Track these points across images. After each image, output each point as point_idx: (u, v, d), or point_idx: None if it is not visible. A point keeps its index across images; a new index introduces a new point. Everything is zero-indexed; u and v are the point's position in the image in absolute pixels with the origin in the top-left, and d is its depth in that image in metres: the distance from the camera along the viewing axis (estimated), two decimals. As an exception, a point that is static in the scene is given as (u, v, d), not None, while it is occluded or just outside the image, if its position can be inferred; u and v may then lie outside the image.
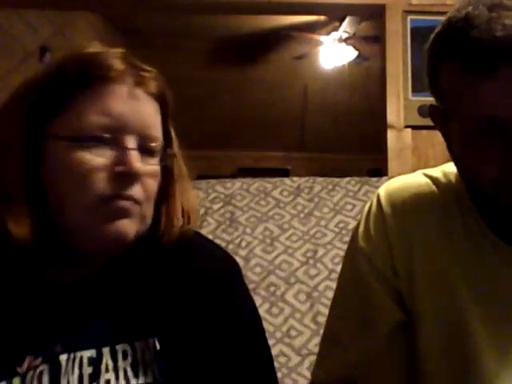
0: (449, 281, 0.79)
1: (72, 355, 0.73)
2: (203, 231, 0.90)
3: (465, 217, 0.81)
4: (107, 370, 0.73)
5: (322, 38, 4.82)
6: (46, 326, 0.74)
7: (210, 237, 0.91)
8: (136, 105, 0.74)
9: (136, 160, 0.72)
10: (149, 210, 0.77)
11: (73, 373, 0.72)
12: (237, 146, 7.00)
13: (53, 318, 0.75)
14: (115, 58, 0.75)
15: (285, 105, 6.26)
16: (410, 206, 0.84)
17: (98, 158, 0.71)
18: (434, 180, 0.86)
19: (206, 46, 5.33)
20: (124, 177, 0.71)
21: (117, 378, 0.73)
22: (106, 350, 0.74)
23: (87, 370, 0.73)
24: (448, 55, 0.72)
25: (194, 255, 0.82)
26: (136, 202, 0.73)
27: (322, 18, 4.48)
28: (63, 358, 0.73)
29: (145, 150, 0.75)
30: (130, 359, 0.74)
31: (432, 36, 0.75)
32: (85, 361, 0.73)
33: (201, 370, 0.76)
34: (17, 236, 0.71)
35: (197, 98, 5.57)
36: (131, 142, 0.73)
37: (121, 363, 0.74)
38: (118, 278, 0.78)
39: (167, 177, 0.80)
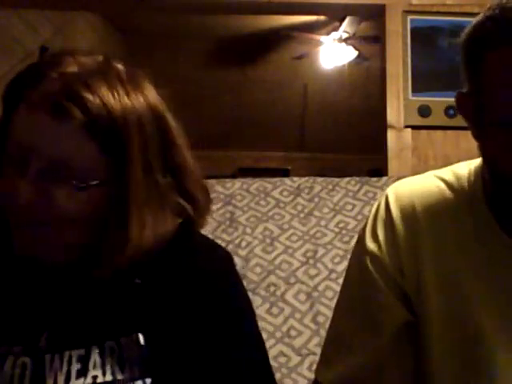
0: (459, 283, 0.78)
1: (60, 355, 0.75)
2: (203, 231, 0.90)
3: (476, 218, 0.80)
4: (95, 367, 0.75)
5: (322, 38, 4.82)
6: (30, 320, 0.76)
7: (210, 237, 0.91)
8: (45, 132, 0.74)
9: (21, 187, 0.73)
10: (73, 233, 0.77)
11: (61, 369, 0.74)
12: (237, 146, 7.00)
13: (38, 311, 0.77)
14: (47, 79, 0.75)
15: (285, 105, 6.26)
16: (418, 208, 0.83)
17: (6, 181, 0.75)
18: (444, 181, 0.85)
19: (206, 46, 5.33)
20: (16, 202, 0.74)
21: (104, 373, 0.75)
22: (94, 348, 0.76)
23: (75, 367, 0.75)
24: (491, 43, 0.71)
25: (182, 252, 0.82)
26: (44, 224, 0.75)
27: (322, 17, 4.48)
28: (48, 356, 0.75)
29: (53, 178, 0.74)
30: (116, 355, 0.76)
31: (469, 29, 0.75)
32: (74, 359, 0.75)
33: (188, 366, 0.77)
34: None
35: (197, 98, 5.56)
36: (32, 168, 0.74)
37: (108, 359, 0.76)
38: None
39: (116, 205, 0.77)
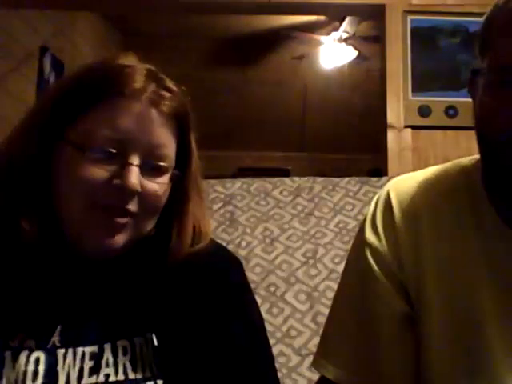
0: (460, 274, 0.78)
1: (73, 349, 0.75)
2: (203, 231, 0.90)
3: (476, 208, 0.80)
4: (107, 365, 0.75)
5: (322, 38, 4.82)
6: (45, 312, 0.76)
7: (211, 236, 0.91)
8: (146, 124, 0.76)
9: (133, 177, 0.74)
10: (146, 224, 0.79)
11: (74, 365, 0.74)
12: (237, 146, 7.00)
13: (53, 307, 0.76)
14: (137, 74, 0.78)
15: (285, 105, 6.26)
16: (418, 200, 0.84)
17: (99, 170, 0.74)
18: (444, 171, 0.86)
19: (206, 46, 5.33)
20: (120, 191, 0.74)
21: (116, 372, 0.75)
22: (107, 346, 0.76)
23: (88, 364, 0.74)
24: (495, 14, 0.75)
25: (194, 253, 0.83)
26: (131, 215, 0.76)
27: (322, 17, 4.48)
28: (61, 351, 0.74)
29: (151, 168, 0.77)
30: (129, 355, 0.76)
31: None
32: (86, 356, 0.75)
33: (198, 366, 0.77)
34: (26, 234, 0.75)
35: (197, 98, 5.56)
36: (135, 158, 0.75)
37: (121, 358, 0.76)
38: (119, 275, 0.80)
39: (181, 195, 0.82)
